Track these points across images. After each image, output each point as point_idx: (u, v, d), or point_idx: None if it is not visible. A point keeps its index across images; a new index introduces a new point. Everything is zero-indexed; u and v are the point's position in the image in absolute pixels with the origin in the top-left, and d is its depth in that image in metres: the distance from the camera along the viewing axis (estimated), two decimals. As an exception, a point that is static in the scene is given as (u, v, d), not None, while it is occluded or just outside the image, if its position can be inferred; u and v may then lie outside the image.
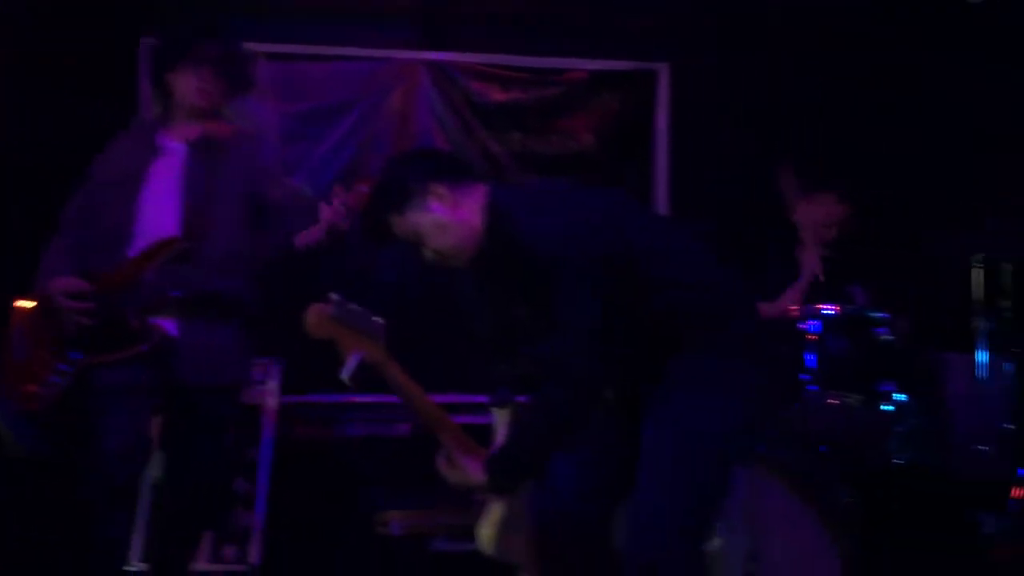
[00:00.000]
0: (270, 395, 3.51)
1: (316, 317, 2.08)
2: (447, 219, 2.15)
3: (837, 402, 2.92)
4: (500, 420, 2.25)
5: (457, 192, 2.16)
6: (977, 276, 3.10)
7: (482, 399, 2.48)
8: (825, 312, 3.00)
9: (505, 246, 2.12)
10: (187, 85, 2.69)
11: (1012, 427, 3.30)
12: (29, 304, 2.61)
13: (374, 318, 2.16)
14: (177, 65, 2.71)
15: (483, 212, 2.16)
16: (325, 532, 3.39)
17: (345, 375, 2.07)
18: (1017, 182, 3.49)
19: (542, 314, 2.12)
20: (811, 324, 2.99)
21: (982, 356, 3.12)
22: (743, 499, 2.69)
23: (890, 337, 2.96)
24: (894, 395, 3.07)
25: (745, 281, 2.25)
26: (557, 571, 2.25)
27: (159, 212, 2.62)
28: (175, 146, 2.71)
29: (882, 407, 3.02)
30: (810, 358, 2.99)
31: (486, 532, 2.21)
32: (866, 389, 2.96)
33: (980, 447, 3.15)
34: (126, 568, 2.53)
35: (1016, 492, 3.32)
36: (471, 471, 2.12)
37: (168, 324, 2.58)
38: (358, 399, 3.76)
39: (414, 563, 2.90)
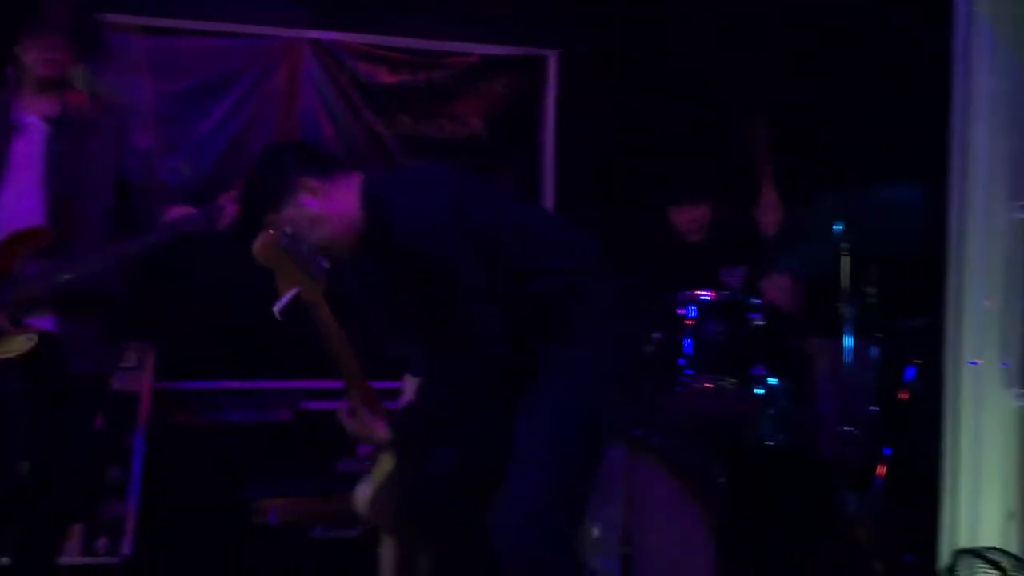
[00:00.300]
0: (143, 381, 3.40)
1: (266, 242, 2.05)
2: (321, 212, 2.13)
3: (712, 386, 2.99)
4: (410, 386, 2.30)
5: (329, 183, 2.14)
6: (845, 263, 3.21)
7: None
8: (702, 298, 3.07)
9: (385, 232, 2.12)
10: (34, 54, 2.54)
11: (876, 409, 3.44)
12: None
13: (320, 259, 2.15)
14: (23, 33, 2.56)
15: (360, 201, 2.15)
16: (201, 522, 3.32)
17: (277, 308, 2.04)
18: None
19: (431, 296, 2.15)
20: (688, 309, 3.05)
21: (849, 341, 3.24)
22: (619, 482, 2.74)
23: (763, 322, 3.04)
24: (766, 379, 3.17)
25: (626, 271, 2.30)
26: (415, 545, 2.30)
27: (20, 198, 2.49)
28: (33, 122, 2.57)
29: (755, 390, 3.11)
30: (687, 343, 3.06)
31: (363, 493, 2.24)
32: (739, 373, 3.04)
33: (846, 429, 3.28)
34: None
35: (880, 470, 3.47)
36: (373, 426, 2.14)
37: (43, 322, 2.48)
38: (237, 385, 3.69)
39: (292, 552, 2.85)
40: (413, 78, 4.38)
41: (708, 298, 3.08)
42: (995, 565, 1.65)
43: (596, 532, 2.84)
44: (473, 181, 2.34)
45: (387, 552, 2.30)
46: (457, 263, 2.09)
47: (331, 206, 2.14)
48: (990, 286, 2.57)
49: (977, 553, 1.67)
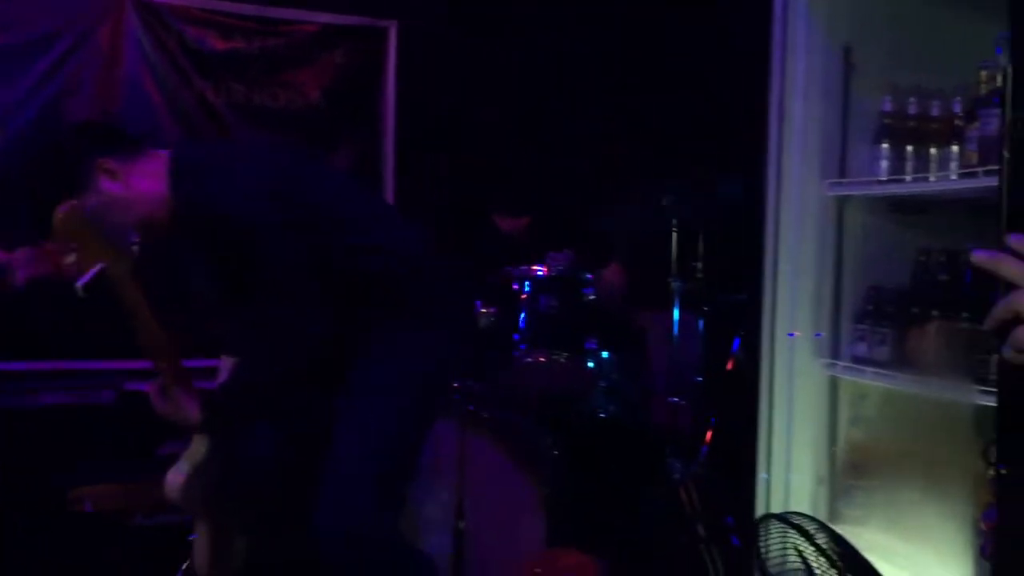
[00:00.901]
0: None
1: (68, 216, 1.90)
2: (123, 194, 2.04)
3: (545, 360, 3.01)
4: (227, 366, 2.25)
5: (130, 164, 2.05)
6: (673, 239, 3.29)
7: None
8: (535, 273, 3.08)
9: (194, 210, 2.05)
10: None
11: (702, 380, 3.55)
12: None
13: (128, 234, 2.05)
14: None
15: (167, 179, 2.07)
16: (15, 510, 3.11)
17: (80, 284, 1.93)
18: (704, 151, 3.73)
19: (246, 274, 2.07)
20: (521, 284, 3.06)
21: (677, 315, 3.33)
22: (451, 457, 2.73)
23: (595, 297, 3.08)
24: (598, 352, 3.22)
25: (462, 249, 2.29)
26: (229, 530, 2.23)
27: None
28: None
29: (587, 364, 3.15)
30: (521, 317, 3.06)
31: (175, 478, 2.15)
32: (572, 347, 3.07)
33: (674, 399, 3.38)
34: None
35: (707, 437, 3.59)
36: (186, 406, 2.07)
37: None
38: (55, 366, 3.47)
39: (112, 541, 2.71)
40: (247, 45, 4.20)
41: (541, 273, 3.09)
42: (798, 528, 1.71)
43: (429, 509, 2.82)
44: (291, 156, 2.29)
45: (200, 538, 2.21)
46: (270, 240, 2.02)
47: (134, 187, 2.05)
48: (804, 261, 2.66)
49: (781, 517, 1.73)
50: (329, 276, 2.07)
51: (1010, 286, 0.85)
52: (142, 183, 2.05)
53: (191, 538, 2.30)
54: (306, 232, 2.06)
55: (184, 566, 2.58)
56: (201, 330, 2.25)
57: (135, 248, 2.07)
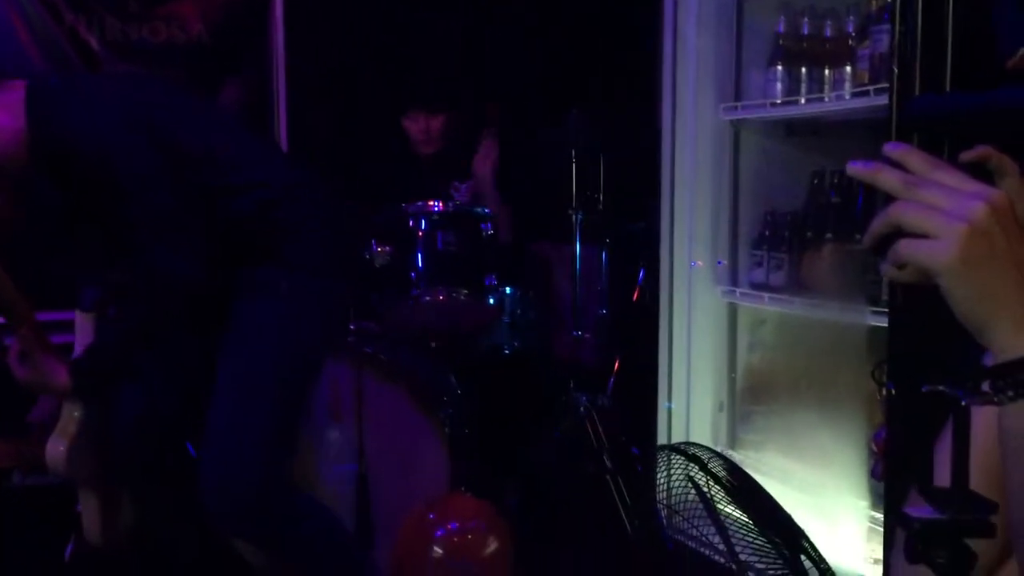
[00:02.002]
0: None
1: None
2: None
3: (444, 298, 2.92)
4: (84, 324, 2.09)
5: None
6: (573, 170, 3.21)
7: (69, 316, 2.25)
8: (431, 209, 2.97)
9: (53, 144, 1.91)
10: None
11: (606, 313, 3.52)
12: None
13: None
14: None
15: (24, 113, 1.92)
16: None
17: None
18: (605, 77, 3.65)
19: (110, 216, 1.95)
20: (417, 221, 2.94)
21: (579, 247, 3.27)
22: (349, 402, 2.64)
23: (492, 231, 2.99)
24: (500, 288, 3.14)
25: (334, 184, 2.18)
26: (117, 492, 2.14)
27: None
28: None
29: (488, 300, 3.07)
30: (418, 255, 2.96)
31: (55, 449, 2.02)
32: (472, 283, 2.98)
33: (578, 333, 3.33)
34: None
35: (615, 369, 3.57)
36: (51, 371, 1.94)
37: None
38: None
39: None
40: (121, -26, 3.92)
41: (438, 209, 2.98)
42: (693, 458, 1.66)
43: (327, 454, 2.73)
44: (161, 88, 2.14)
45: (88, 507, 2.08)
46: (134, 171, 1.89)
47: None
48: (700, 187, 2.62)
49: (675, 448, 1.68)
50: (202, 218, 1.94)
51: (888, 199, 0.79)
52: None
53: (78, 508, 2.17)
54: (176, 169, 1.92)
55: (72, 539, 2.47)
56: (59, 283, 2.11)
57: None
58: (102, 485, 2.11)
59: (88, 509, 2.11)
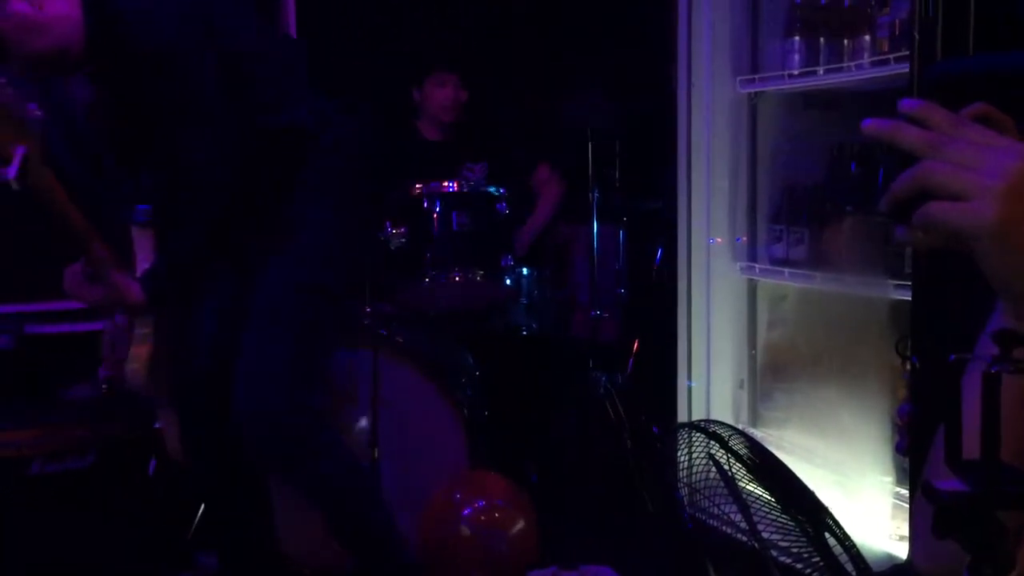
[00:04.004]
0: None
1: None
2: (35, 17, 1.88)
3: (460, 279, 2.90)
4: (140, 239, 2.11)
5: None
6: (589, 149, 3.18)
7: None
8: (445, 190, 2.95)
9: (111, 37, 1.91)
10: None
11: (624, 292, 3.49)
12: None
13: (32, 107, 1.90)
14: None
15: (80, 2, 1.92)
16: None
17: (12, 174, 1.80)
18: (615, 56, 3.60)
19: (164, 115, 1.97)
20: (432, 202, 2.92)
21: (596, 226, 3.24)
22: (364, 382, 2.63)
23: (507, 211, 2.97)
24: (516, 268, 3.13)
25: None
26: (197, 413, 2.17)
27: None
28: None
29: (504, 281, 3.05)
30: (433, 236, 2.94)
31: (134, 366, 2.06)
32: (488, 264, 2.96)
33: (597, 312, 3.31)
34: None
35: (634, 348, 3.55)
36: (125, 286, 1.96)
37: None
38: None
39: (7, 490, 2.58)
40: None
41: (452, 190, 2.96)
42: (713, 435, 1.64)
43: (344, 437, 2.72)
44: None
45: (168, 423, 2.13)
46: (191, 69, 1.92)
47: (46, 9, 1.88)
48: (718, 162, 2.59)
49: (695, 426, 1.66)
50: (239, 124, 1.98)
51: (904, 162, 0.73)
52: (56, 4, 1.90)
53: (157, 426, 2.21)
54: (224, 71, 1.95)
55: (154, 456, 2.55)
56: (114, 207, 2.11)
57: (39, 116, 1.93)
58: (182, 402, 2.15)
59: (168, 425, 2.13)
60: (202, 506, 2.51)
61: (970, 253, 0.69)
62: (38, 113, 1.96)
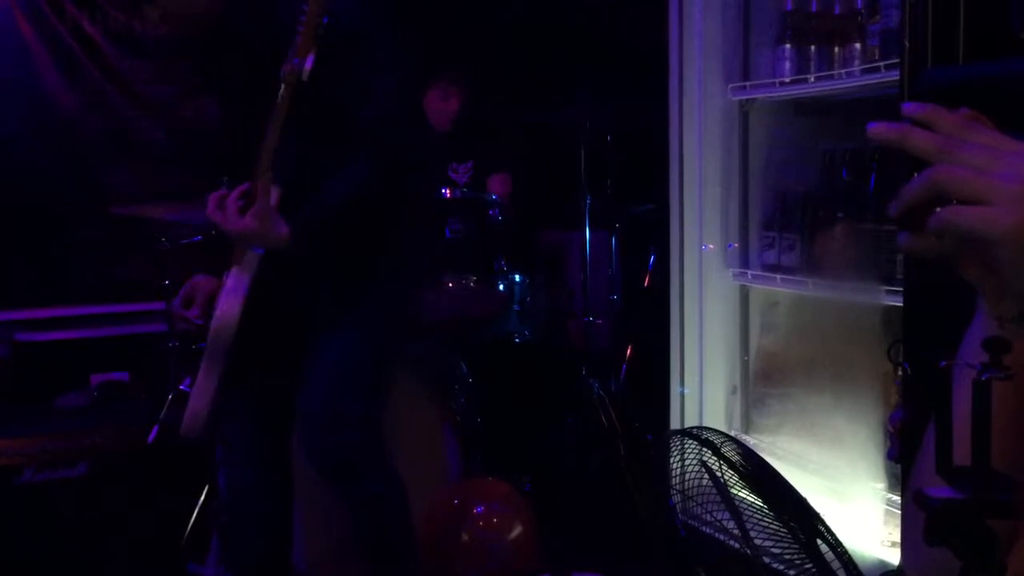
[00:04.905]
0: None
1: None
2: None
3: (453, 285, 2.90)
4: (266, 195, 1.96)
5: None
6: (582, 156, 3.18)
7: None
8: (438, 195, 2.95)
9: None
10: None
11: (616, 299, 3.49)
12: None
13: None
14: None
15: None
16: None
17: (309, 64, 1.83)
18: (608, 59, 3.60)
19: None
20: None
21: (588, 232, 3.24)
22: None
23: (500, 218, 2.97)
24: (509, 275, 3.12)
25: None
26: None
27: None
28: None
29: (498, 287, 3.05)
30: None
31: (219, 324, 1.95)
32: (481, 270, 2.97)
33: (590, 319, 3.31)
34: None
35: (627, 355, 3.55)
36: (275, 221, 1.90)
37: None
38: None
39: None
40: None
41: (444, 196, 2.96)
42: (705, 442, 1.63)
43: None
44: None
45: (203, 390, 2.00)
46: (380, 50, 1.94)
47: None
48: (709, 169, 2.59)
49: (688, 432, 1.66)
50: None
51: (912, 166, 0.72)
52: None
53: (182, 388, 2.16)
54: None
55: (159, 422, 2.54)
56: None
57: None
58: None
59: (199, 396, 1.98)
60: (194, 515, 2.50)
61: (988, 258, 0.68)
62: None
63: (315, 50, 1.81)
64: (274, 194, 1.91)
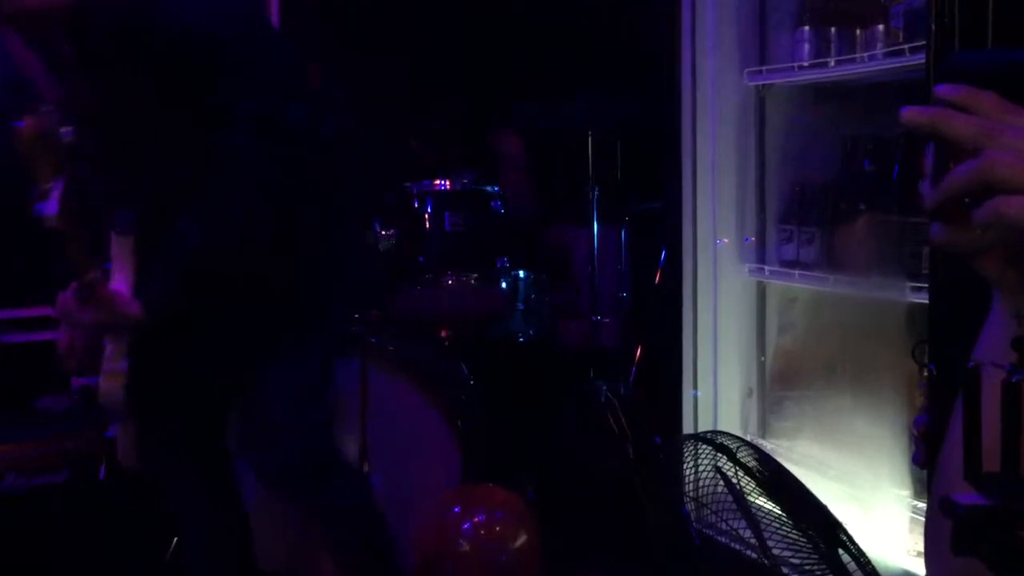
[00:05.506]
0: None
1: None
2: None
3: (453, 283, 2.91)
4: (122, 248, 1.98)
5: None
6: (589, 145, 3.18)
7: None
8: (437, 188, 2.95)
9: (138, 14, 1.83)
10: None
11: (626, 296, 3.49)
12: None
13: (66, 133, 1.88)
14: None
15: None
16: None
17: (53, 209, 1.87)
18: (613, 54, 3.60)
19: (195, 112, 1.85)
20: (424, 202, 2.93)
21: (597, 228, 3.24)
22: (351, 394, 2.62)
23: (502, 210, 2.97)
24: (512, 272, 3.13)
25: None
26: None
27: None
28: None
29: (500, 285, 3.05)
30: (425, 238, 2.94)
31: (111, 387, 1.96)
32: (483, 267, 2.97)
33: (598, 318, 3.30)
34: None
35: (637, 356, 3.55)
36: (124, 300, 1.85)
37: None
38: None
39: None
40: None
41: (445, 188, 2.96)
42: (720, 447, 1.64)
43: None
44: None
45: (124, 432, 2.08)
46: (239, 65, 1.82)
47: None
48: (724, 159, 2.59)
49: (701, 437, 1.66)
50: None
51: (944, 155, 0.70)
52: None
53: (109, 435, 2.18)
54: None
55: (104, 462, 2.55)
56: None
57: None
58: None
59: (124, 433, 2.08)
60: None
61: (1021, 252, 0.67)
62: (72, 138, 1.91)
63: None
64: (125, 246, 1.90)
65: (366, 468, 2.54)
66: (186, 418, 2.15)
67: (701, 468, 1.68)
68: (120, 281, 1.94)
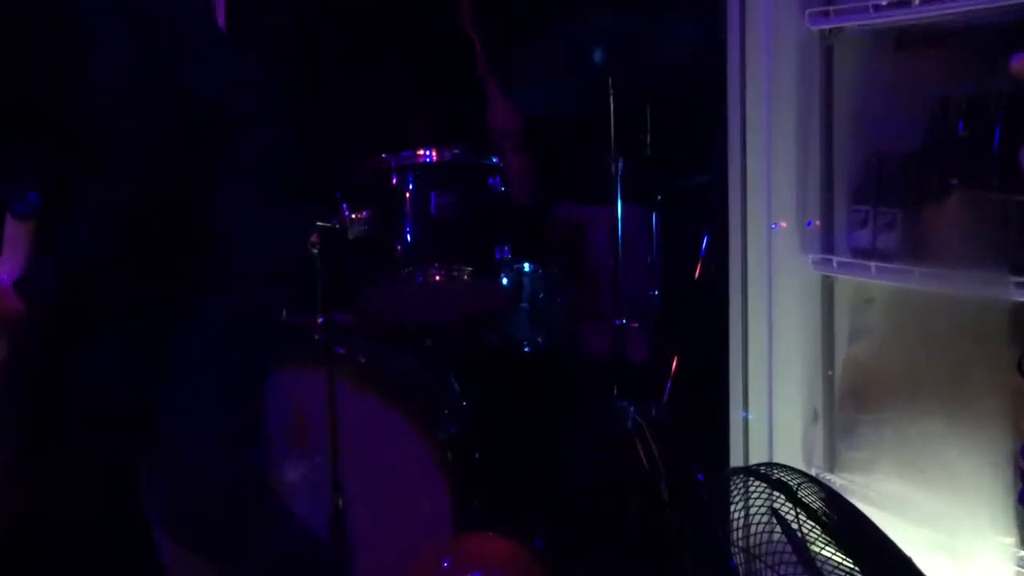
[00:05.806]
0: None
1: None
2: None
3: (441, 278, 2.92)
4: (17, 233, 2.14)
5: None
6: (611, 105, 3.19)
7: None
8: (421, 160, 2.95)
9: None
10: None
11: (657, 294, 3.50)
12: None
13: None
14: None
15: None
16: None
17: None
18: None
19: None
20: (404, 177, 2.93)
21: (621, 208, 3.24)
22: (317, 418, 2.65)
23: (502, 188, 2.98)
24: (515, 264, 3.14)
25: None
26: None
27: None
28: None
29: (501, 281, 3.07)
30: (406, 223, 2.95)
31: None
32: (479, 259, 2.98)
33: (623, 322, 3.31)
34: None
35: (672, 370, 3.57)
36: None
37: None
38: None
39: None
40: None
41: (430, 160, 2.96)
42: (777, 484, 1.65)
43: (294, 485, 2.76)
44: None
45: None
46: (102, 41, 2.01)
47: None
48: (782, 123, 2.60)
49: (754, 471, 1.67)
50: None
51: None
52: None
53: None
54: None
55: None
56: None
57: None
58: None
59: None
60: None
61: None
62: None
63: None
64: (22, 232, 2.06)
65: (341, 501, 2.57)
66: (93, 454, 2.24)
67: (753, 510, 1.70)
68: (5, 272, 2.09)
